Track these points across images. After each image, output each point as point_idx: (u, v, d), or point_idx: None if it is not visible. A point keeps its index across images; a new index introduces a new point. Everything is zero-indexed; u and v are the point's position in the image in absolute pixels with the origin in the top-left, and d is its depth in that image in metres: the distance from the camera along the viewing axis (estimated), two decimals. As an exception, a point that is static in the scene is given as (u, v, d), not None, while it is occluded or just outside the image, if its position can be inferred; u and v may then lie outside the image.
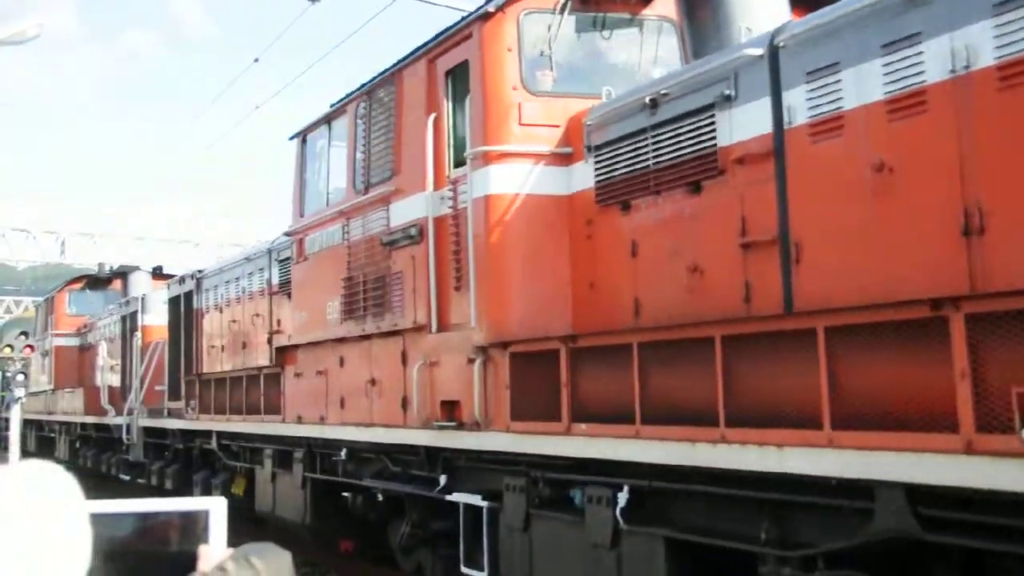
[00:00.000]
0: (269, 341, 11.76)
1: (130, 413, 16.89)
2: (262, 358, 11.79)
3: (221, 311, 13.60)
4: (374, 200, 8.30)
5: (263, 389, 10.74)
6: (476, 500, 6.88)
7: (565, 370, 5.83)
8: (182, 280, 15.28)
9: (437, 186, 7.58)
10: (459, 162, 7.52)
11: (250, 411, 11.14)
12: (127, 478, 17.16)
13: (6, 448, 34.30)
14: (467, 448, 6.94)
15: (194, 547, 1.97)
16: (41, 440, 26.01)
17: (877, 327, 4.07)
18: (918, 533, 3.88)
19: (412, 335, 7.70)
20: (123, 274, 23.94)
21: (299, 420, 9.68)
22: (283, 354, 10.23)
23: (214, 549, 1.96)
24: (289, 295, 11.34)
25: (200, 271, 14.74)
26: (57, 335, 23.69)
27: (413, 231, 7.67)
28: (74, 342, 23.68)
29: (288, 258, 11.43)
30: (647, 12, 7.17)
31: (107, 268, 23.92)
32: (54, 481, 1.72)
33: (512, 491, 6.50)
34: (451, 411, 7.20)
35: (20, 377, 23.05)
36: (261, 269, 12.25)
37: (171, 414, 15.48)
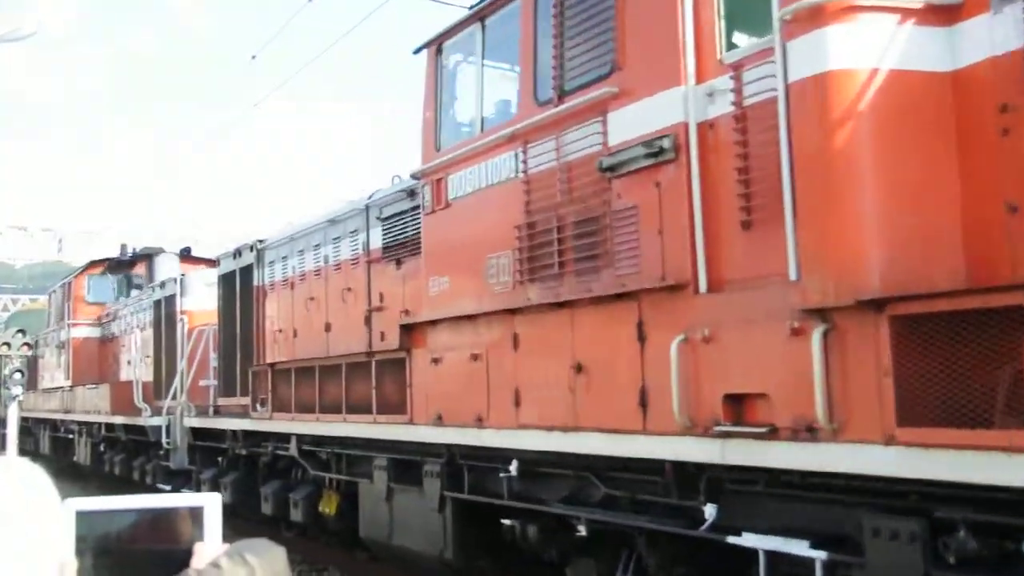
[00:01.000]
0: (367, 320, 9.34)
1: (170, 412, 14.46)
2: (356, 342, 9.37)
3: (293, 287, 11.18)
4: (578, 110, 5.85)
5: (374, 381, 8.29)
6: (800, 548, 4.45)
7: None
8: (237, 253, 12.83)
9: (700, 77, 5.15)
10: (730, 46, 5.12)
11: (353, 409, 8.70)
12: (167, 488, 14.72)
13: (2, 448, 31.96)
14: (794, 468, 4.49)
15: (189, 544, 1.92)
16: (56, 442, 23.56)
17: None
18: None
19: (656, 299, 5.25)
20: (148, 256, 21.48)
21: (439, 421, 7.24)
22: (407, 335, 7.78)
23: (209, 546, 1.92)
24: (398, 261, 8.92)
25: (261, 240, 12.30)
26: (75, 325, 21.25)
27: (662, 145, 5.22)
28: (94, 333, 21.25)
29: (396, 215, 9.00)
30: None
31: (130, 250, 21.48)
32: (25, 477, 1.67)
33: (892, 539, 4.07)
34: (739, 410, 4.78)
35: (17, 376, 21.12)
36: (353, 232, 9.81)
37: (221, 412, 13.06)
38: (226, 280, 13.19)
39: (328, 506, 9.46)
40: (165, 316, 16.04)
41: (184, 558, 1.91)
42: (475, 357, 6.80)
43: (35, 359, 29.40)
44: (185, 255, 21.52)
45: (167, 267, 21.15)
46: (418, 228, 8.29)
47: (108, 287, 21.44)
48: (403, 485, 8.03)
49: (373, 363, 8.35)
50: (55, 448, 23.72)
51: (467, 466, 7.17)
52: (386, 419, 8.07)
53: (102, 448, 18.82)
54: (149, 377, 16.83)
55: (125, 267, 21.52)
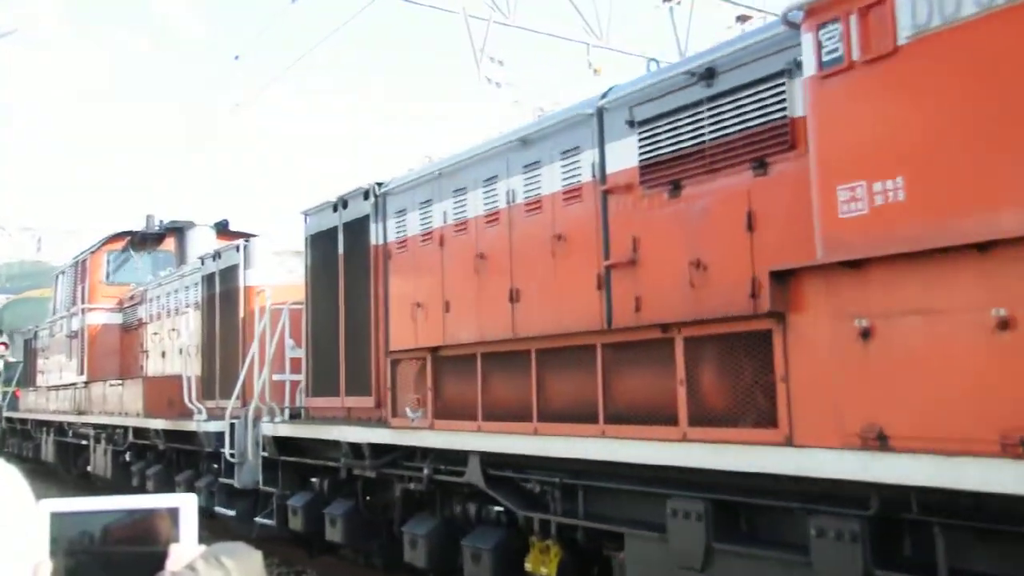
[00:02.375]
0: (603, 282, 6.09)
1: (235, 415, 11.16)
2: (574, 314, 6.14)
3: (442, 242, 7.92)
4: None
5: (683, 372, 5.00)
6: None
7: None
8: (341, 204, 9.51)
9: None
10: None
11: (619, 418, 5.41)
12: (230, 513, 11.40)
13: None
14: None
15: (165, 546, 1.89)
16: (64, 448, 20.15)
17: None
18: None
19: None
20: (178, 230, 18.15)
21: (875, 441, 3.97)
22: (781, 290, 4.49)
23: (185, 548, 1.89)
24: (673, 186, 5.67)
25: (381, 183, 9.01)
26: (92, 310, 17.86)
27: None
28: (115, 319, 17.86)
29: (672, 112, 5.75)
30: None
31: (156, 222, 18.11)
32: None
33: None
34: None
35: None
36: (570, 151, 6.55)
37: (313, 416, 9.78)
38: (320, 241, 9.89)
39: (543, 565, 6.17)
40: (221, 295, 12.72)
41: (160, 560, 1.88)
42: (1006, 324, 3.54)
43: (33, 352, 25.97)
44: (222, 229, 18.20)
45: (201, 242, 17.86)
46: (721, 126, 5.13)
47: (131, 265, 18.07)
48: (741, 547, 4.77)
49: (679, 341, 5.05)
50: (62, 456, 20.30)
51: (941, 525, 3.91)
52: (713, 434, 4.78)
53: (127, 458, 15.45)
54: (196, 371, 13.52)
55: (151, 242, 18.16)
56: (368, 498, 8.56)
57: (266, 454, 10.33)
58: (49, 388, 20.99)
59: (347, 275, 9.35)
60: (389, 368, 7.63)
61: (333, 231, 9.62)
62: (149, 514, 1.93)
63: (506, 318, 7.03)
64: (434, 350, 7.11)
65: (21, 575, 1.63)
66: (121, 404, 15.21)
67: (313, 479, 9.59)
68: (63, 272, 20.33)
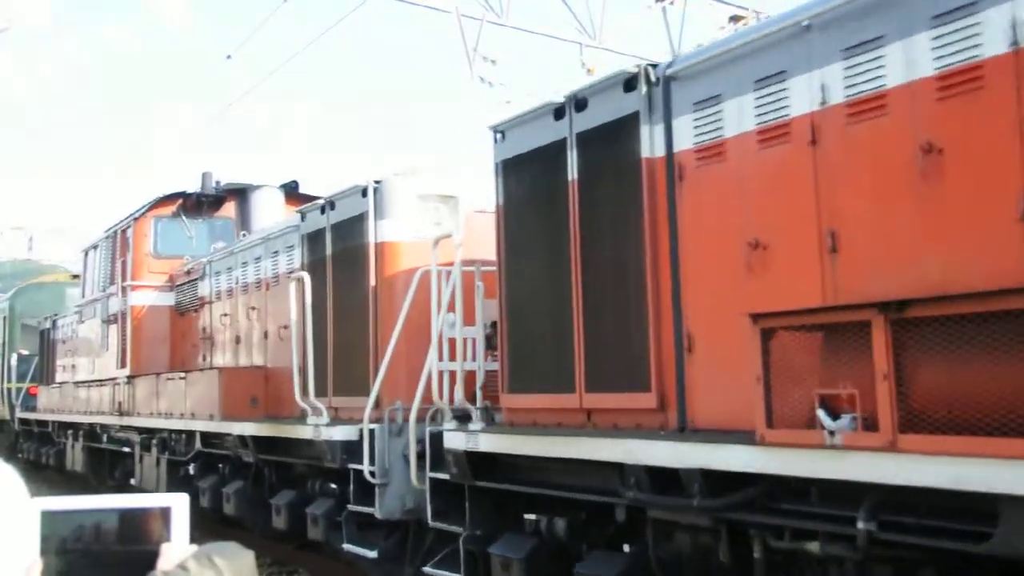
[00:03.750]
0: None
1: (378, 419, 8.01)
2: None
3: (817, 137, 4.77)
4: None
5: None
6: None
7: None
8: (573, 106, 6.33)
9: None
10: None
11: None
12: (368, 553, 8.21)
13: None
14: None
15: (156, 545, 1.91)
16: (97, 457, 16.95)
17: None
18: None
19: None
20: (239, 192, 14.99)
21: None
22: None
23: (176, 547, 1.91)
24: None
25: (655, 65, 5.85)
26: (137, 288, 14.64)
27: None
28: (165, 299, 14.65)
29: None
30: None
31: (213, 182, 14.91)
32: None
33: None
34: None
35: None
36: None
37: (513, 422, 6.63)
38: (529, 165, 6.73)
39: None
40: (335, 258, 9.51)
41: (151, 559, 1.89)
42: None
43: (51, 345, 22.73)
44: (292, 191, 15.07)
45: (267, 207, 14.77)
46: None
47: (182, 234, 14.87)
48: None
49: None
50: (94, 464, 17.10)
51: None
52: None
53: (191, 471, 12.26)
54: (287, 361, 10.40)
55: (208, 206, 14.96)
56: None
57: (436, 475, 7.16)
58: (78, 385, 17.78)
59: (587, 209, 6.19)
60: (760, 344, 4.44)
61: (555, 148, 6.45)
62: (141, 513, 1.95)
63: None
64: (900, 306, 3.91)
65: (14, 574, 1.65)
66: (184, 403, 12.03)
67: (531, 516, 6.41)
68: (94, 247, 17.11)
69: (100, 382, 16.09)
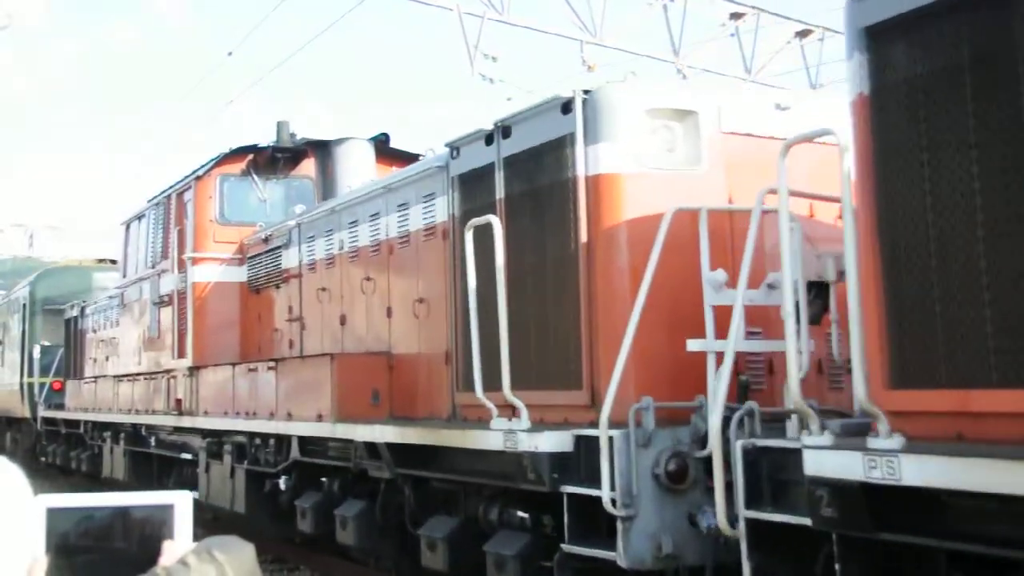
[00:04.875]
0: None
1: (623, 423, 5.50)
2: None
3: None
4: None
5: None
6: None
7: None
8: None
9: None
10: None
11: None
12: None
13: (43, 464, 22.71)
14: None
15: (158, 542, 1.92)
16: (144, 464, 14.44)
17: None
18: None
19: None
20: (321, 146, 12.50)
21: None
22: None
23: (178, 543, 1.92)
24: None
25: None
26: (201, 262, 12.10)
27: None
28: (232, 275, 12.12)
29: None
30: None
31: (289, 133, 12.37)
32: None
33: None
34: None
35: None
36: None
37: (915, 429, 4.11)
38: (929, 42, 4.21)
39: None
40: (513, 200, 6.94)
41: (153, 556, 1.90)
42: None
43: (79, 334, 20.25)
44: (383, 146, 12.59)
45: (355, 164, 12.29)
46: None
47: (254, 197, 12.34)
48: None
49: None
50: (139, 472, 14.58)
51: None
52: None
53: (280, 485, 9.70)
54: (419, 346, 7.88)
55: (284, 164, 12.44)
56: None
57: (771, 515, 4.64)
58: (119, 379, 15.24)
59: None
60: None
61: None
62: (144, 511, 1.96)
63: None
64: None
65: (18, 571, 1.67)
66: (275, 400, 9.51)
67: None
68: (138, 217, 14.57)
69: (149, 375, 13.57)
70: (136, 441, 14.79)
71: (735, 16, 18.93)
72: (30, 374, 22.80)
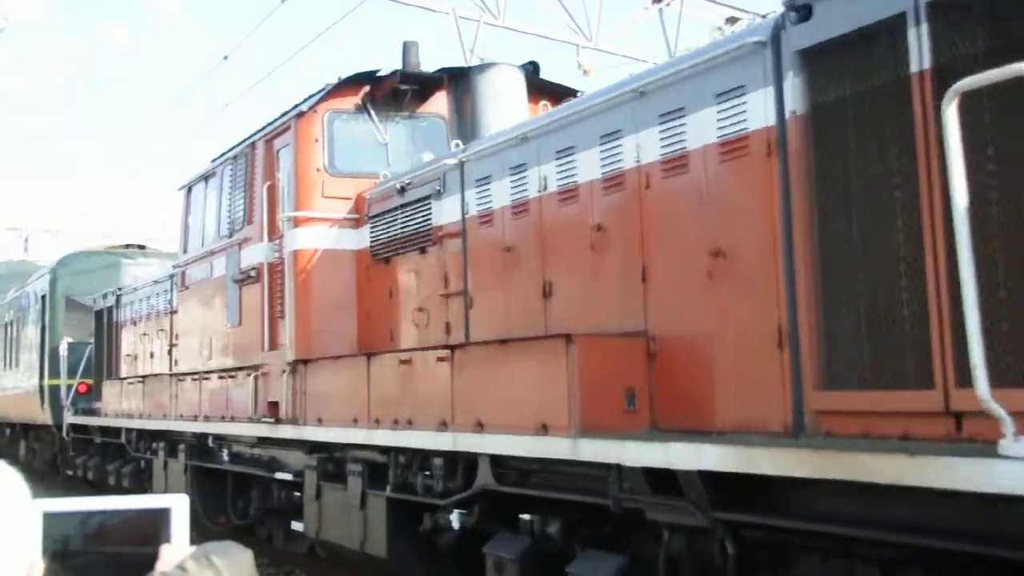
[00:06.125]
0: None
1: None
2: None
3: None
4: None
5: None
6: None
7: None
8: None
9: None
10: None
11: None
12: None
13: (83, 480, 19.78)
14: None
15: (156, 546, 1.91)
16: (215, 483, 11.63)
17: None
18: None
19: None
20: (460, 74, 9.72)
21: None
22: None
23: (176, 548, 1.92)
24: None
25: None
26: (305, 223, 9.24)
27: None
28: (348, 240, 9.26)
29: None
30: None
31: (417, 58, 9.56)
32: None
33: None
34: None
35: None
36: None
37: None
38: None
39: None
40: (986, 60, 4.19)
41: (151, 560, 1.89)
42: None
43: (114, 328, 17.44)
44: (532, 76, 9.81)
45: (502, 98, 9.56)
46: None
47: (373, 140, 9.50)
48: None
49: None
50: (206, 493, 11.76)
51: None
52: None
53: (452, 522, 6.84)
54: (687, 325, 5.11)
55: (411, 98, 9.62)
56: None
57: None
58: (178, 377, 12.38)
59: None
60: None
61: None
62: (141, 515, 1.96)
63: None
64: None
65: (16, 575, 1.66)
66: (450, 404, 6.68)
67: None
68: (207, 176, 11.74)
69: (226, 372, 10.74)
70: (201, 454, 11.99)
71: (731, 21, 17.60)
72: (52, 375, 19.93)
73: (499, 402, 6.27)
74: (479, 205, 7.49)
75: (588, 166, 6.41)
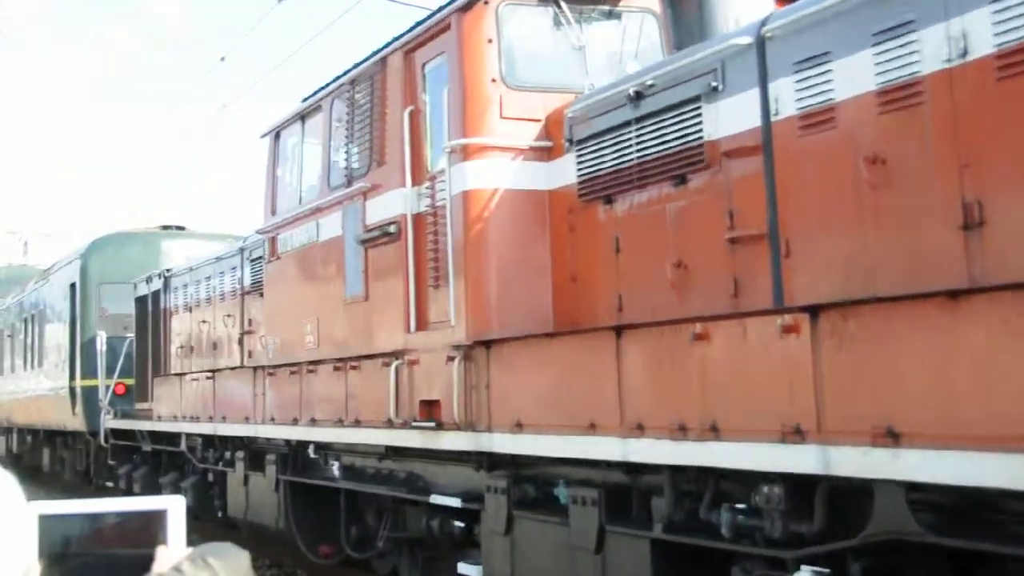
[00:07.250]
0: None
1: None
2: None
3: None
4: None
5: None
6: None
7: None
8: None
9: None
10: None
11: None
12: None
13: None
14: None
15: (152, 548, 1.89)
16: (318, 508, 9.11)
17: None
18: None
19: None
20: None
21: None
22: None
23: (172, 550, 1.89)
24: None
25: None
26: (479, 153, 6.71)
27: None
28: (539, 178, 6.70)
29: None
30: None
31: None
32: None
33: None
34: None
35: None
36: None
37: None
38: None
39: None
40: None
41: (147, 562, 1.86)
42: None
43: (161, 316, 14.94)
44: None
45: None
46: None
47: (563, 43, 6.94)
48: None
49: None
50: (305, 518, 9.25)
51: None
52: None
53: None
54: None
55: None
56: None
57: None
58: (267, 371, 9.81)
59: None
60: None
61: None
62: (137, 516, 1.92)
63: None
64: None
65: None
66: (813, 399, 4.15)
67: None
68: (302, 116, 9.21)
69: (345, 363, 8.18)
70: (297, 467, 9.50)
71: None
72: (86, 374, 17.40)
73: (927, 394, 3.76)
74: (801, 100, 4.95)
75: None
